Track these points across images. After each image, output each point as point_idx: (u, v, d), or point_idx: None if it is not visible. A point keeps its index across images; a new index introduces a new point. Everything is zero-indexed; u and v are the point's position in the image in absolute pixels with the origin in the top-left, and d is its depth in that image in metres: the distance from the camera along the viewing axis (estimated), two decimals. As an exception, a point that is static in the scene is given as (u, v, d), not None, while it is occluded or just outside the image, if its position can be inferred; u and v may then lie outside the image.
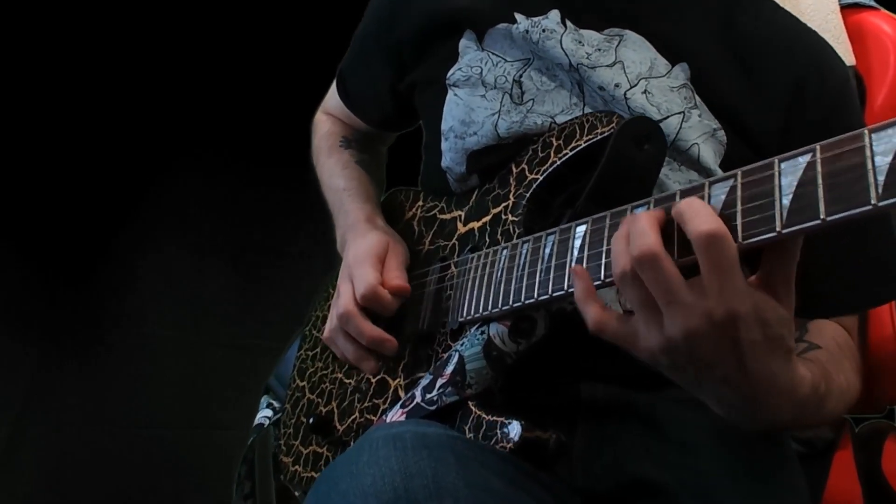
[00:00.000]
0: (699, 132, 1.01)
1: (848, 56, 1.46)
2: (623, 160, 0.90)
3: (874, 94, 1.47)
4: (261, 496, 1.32)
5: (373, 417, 1.06)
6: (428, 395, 0.94)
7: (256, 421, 1.44)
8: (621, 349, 0.82)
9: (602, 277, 0.79)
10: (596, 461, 0.97)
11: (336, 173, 1.32)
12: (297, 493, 1.19)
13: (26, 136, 2.63)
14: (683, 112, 1.01)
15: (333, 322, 1.08)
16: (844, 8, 1.52)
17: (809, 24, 1.17)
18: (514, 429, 0.85)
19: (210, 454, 2.58)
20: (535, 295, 0.87)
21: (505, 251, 0.95)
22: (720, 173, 0.98)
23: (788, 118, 1.02)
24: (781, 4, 1.19)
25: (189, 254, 2.84)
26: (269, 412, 1.43)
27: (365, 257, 1.07)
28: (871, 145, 0.61)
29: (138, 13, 2.71)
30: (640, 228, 0.72)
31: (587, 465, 0.96)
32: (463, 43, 1.11)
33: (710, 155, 1.01)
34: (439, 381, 0.94)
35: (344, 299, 1.06)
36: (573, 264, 0.83)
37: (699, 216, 0.69)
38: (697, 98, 1.02)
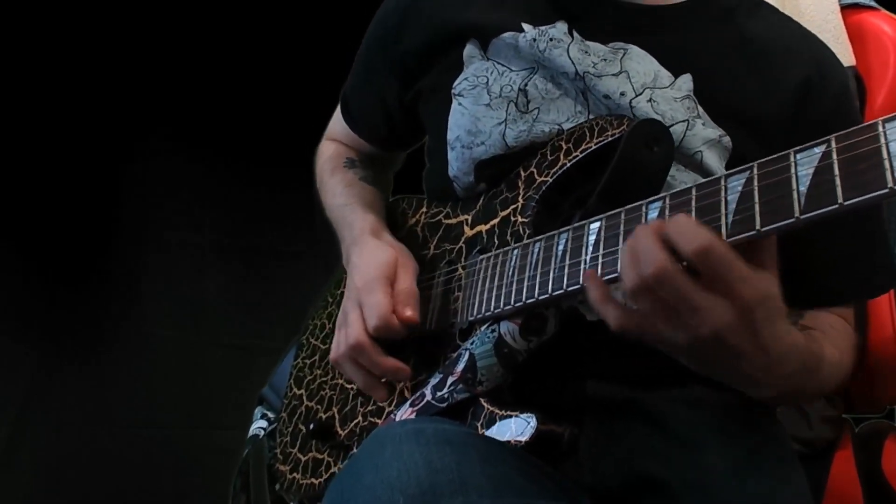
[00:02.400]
0: (703, 140, 1.02)
1: (848, 56, 1.47)
2: (633, 161, 0.91)
3: (874, 94, 1.48)
4: (256, 509, 1.33)
5: (377, 420, 1.07)
6: (439, 393, 0.95)
7: (251, 432, 1.44)
8: (628, 348, 0.83)
9: (619, 270, 0.82)
10: (603, 459, 0.98)
11: (339, 192, 1.29)
12: (291, 502, 1.19)
13: (26, 136, 2.63)
14: (688, 120, 1.02)
15: (341, 349, 1.06)
16: (844, 8, 1.53)
17: (809, 25, 1.19)
18: (530, 422, 0.86)
19: (210, 454, 2.57)
20: (550, 290, 0.88)
21: (516, 251, 0.96)
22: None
23: (797, 111, 1.05)
24: (782, 4, 1.20)
25: (189, 254, 2.83)
26: (263, 423, 1.43)
27: (374, 281, 1.04)
28: (885, 133, 0.65)
29: (141, 13, 2.71)
30: (645, 246, 0.76)
31: (594, 463, 0.97)
32: (467, 52, 1.12)
33: (714, 160, 1.02)
34: (450, 379, 0.94)
35: (354, 329, 1.04)
36: (588, 261, 0.85)
37: (684, 235, 0.74)
38: (700, 109, 1.03)
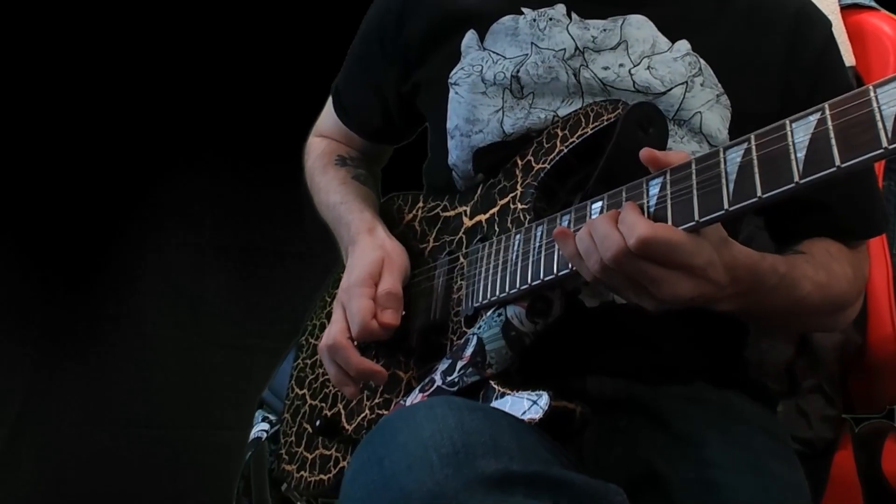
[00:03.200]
0: (703, 100, 1.05)
1: (848, 56, 1.47)
2: (629, 144, 0.94)
3: (874, 95, 1.48)
4: (259, 512, 1.33)
5: (384, 412, 1.07)
6: (449, 378, 0.96)
7: (252, 436, 1.43)
8: (629, 344, 0.84)
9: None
10: (606, 454, 0.99)
11: (332, 189, 1.29)
12: (297, 502, 1.19)
13: (27, 135, 2.63)
14: (686, 82, 1.06)
15: (322, 344, 1.09)
16: (844, 8, 1.54)
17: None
18: (543, 398, 0.87)
19: (210, 454, 2.58)
20: (556, 271, 0.90)
21: (518, 235, 0.98)
22: (724, 137, 1.05)
23: (788, 55, 1.09)
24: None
25: (189, 254, 2.83)
26: (265, 426, 1.42)
27: (357, 285, 1.07)
28: (877, 98, 0.68)
29: (140, 13, 2.71)
30: (604, 231, 0.80)
31: (598, 458, 0.98)
32: (465, 42, 1.14)
33: (715, 121, 1.05)
34: (459, 364, 0.96)
35: (335, 329, 1.07)
36: None
37: (628, 228, 0.79)
38: (702, 62, 1.07)
